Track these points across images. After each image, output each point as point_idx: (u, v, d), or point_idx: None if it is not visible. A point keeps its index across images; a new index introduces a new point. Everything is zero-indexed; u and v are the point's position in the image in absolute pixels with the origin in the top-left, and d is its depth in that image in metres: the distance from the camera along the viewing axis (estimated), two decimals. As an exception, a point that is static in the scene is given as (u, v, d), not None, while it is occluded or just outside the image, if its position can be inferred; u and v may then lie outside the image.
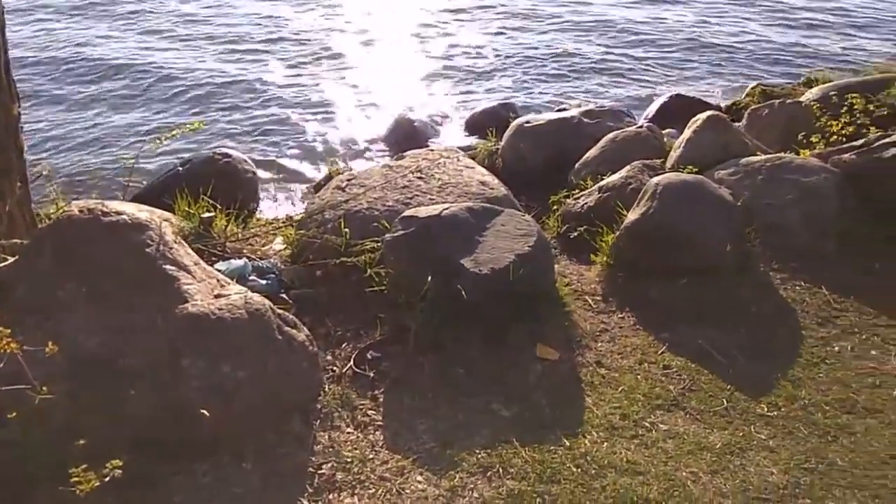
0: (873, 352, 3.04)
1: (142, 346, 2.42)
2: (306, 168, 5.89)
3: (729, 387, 2.86)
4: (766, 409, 2.72)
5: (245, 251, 3.77)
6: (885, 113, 4.80)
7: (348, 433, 2.59)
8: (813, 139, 4.49)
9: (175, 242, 2.73)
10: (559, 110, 6.14)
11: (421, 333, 2.99)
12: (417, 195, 3.79)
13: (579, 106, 6.08)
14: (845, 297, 3.36)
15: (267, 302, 2.67)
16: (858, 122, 4.53)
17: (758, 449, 2.52)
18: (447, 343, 3.02)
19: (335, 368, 2.91)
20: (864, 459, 2.44)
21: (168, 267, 2.59)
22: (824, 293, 3.40)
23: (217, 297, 2.61)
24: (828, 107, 4.76)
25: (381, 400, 2.77)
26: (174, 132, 3.46)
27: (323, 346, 3.05)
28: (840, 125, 4.50)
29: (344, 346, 3.07)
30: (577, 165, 4.91)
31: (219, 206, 3.90)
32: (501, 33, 9.25)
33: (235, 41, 8.73)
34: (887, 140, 3.96)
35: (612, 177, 4.37)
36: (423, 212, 3.35)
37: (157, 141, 3.49)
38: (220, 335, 2.49)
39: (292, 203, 5.21)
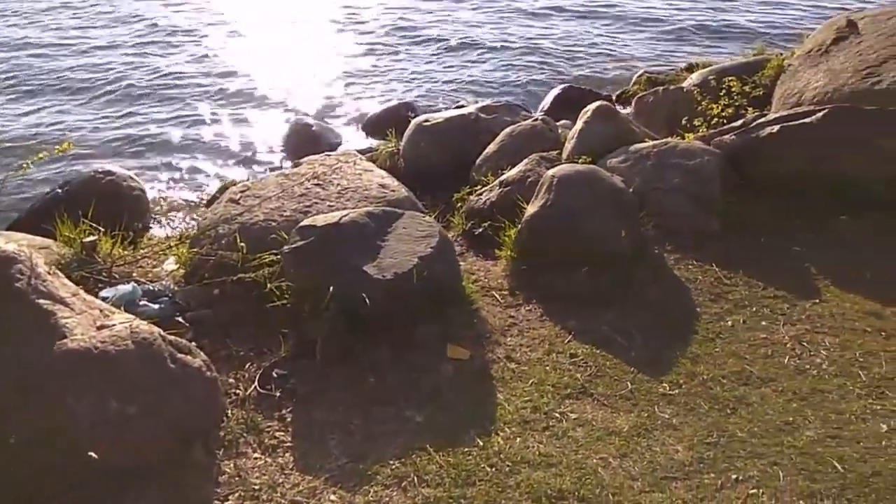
0: (763, 323, 3.20)
1: (17, 389, 2.22)
2: (200, 181, 5.65)
3: (632, 369, 2.94)
4: (668, 388, 2.82)
5: (135, 274, 3.56)
6: (761, 93, 5.10)
7: (255, 458, 2.48)
8: (696, 123, 4.70)
9: (49, 274, 2.53)
10: (457, 107, 6.17)
11: (327, 346, 2.91)
12: (316, 203, 3.70)
13: (476, 102, 6.12)
14: (734, 273, 3.52)
15: (156, 329, 2.51)
16: (736, 103, 4.78)
17: (663, 428, 2.60)
18: (356, 353, 2.96)
19: (238, 391, 2.79)
20: (762, 428, 2.56)
21: (42, 301, 2.40)
22: (715, 270, 3.55)
23: (100, 328, 2.44)
24: (708, 91, 4.99)
25: (290, 419, 2.68)
26: (41, 155, 3.21)
27: (224, 368, 2.92)
28: (720, 108, 4.73)
29: (247, 366, 2.94)
30: (477, 161, 4.93)
31: (103, 229, 3.67)
32: (399, 31, 9.21)
33: (116, 46, 8.26)
34: (763, 120, 4.19)
35: (511, 171, 4.42)
36: (321, 220, 3.26)
37: (24, 167, 3.23)
38: (105, 370, 2.34)
39: (186, 219, 4.98)
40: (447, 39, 8.85)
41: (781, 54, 5.54)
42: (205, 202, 4.96)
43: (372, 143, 6.01)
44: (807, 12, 9.44)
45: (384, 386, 2.83)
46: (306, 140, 6.10)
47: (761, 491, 2.28)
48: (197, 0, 9.89)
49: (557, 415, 2.69)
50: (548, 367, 2.97)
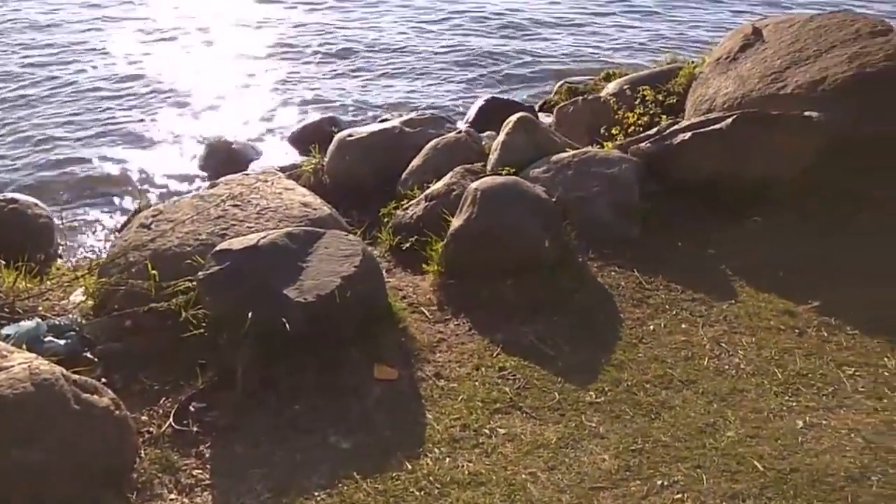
0: (683, 326, 3.27)
1: None
2: (111, 205, 5.40)
3: (560, 379, 2.95)
4: (594, 396, 2.84)
5: (40, 308, 3.35)
6: (675, 101, 5.26)
7: (171, 500, 2.36)
8: (614, 131, 4.80)
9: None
10: (381, 121, 6.12)
11: (248, 374, 2.81)
12: (234, 224, 3.57)
13: (400, 115, 6.09)
14: (655, 277, 3.60)
15: (58, 369, 2.36)
16: (651, 112, 4.91)
17: (590, 437, 2.61)
18: (279, 380, 2.86)
19: (152, 429, 2.65)
20: (685, 432, 2.61)
21: (-75, 346, 2.21)
22: (636, 276, 3.62)
23: (-5, 372, 2.26)
24: (624, 100, 5.12)
25: (209, 455, 2.56)
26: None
27: (137, 404, 2.77)
28: (635, 116, 4.85)
29: (162, 401, 2.80)
30: (403, 175, 4.89)
31: (4, 261, 3.44)
32: (322, 45, 9.10)
33: (25, 64, 7.85)
34: (676, 127, 4.31)
35: (436, 184, 4.40)
36: (238, 243, 3.15)
37: None
38: (3, 416, 2.17)
39: (96, 247, 4.74)
40: (371, 52, 8.81)
41: (692, 62, 5.74)
42: (116, 228, 4.73)
43: (295, 159, 5.89)
44: (713, 21, 9.84)
45: (309, 413, 2.74)
46: (224, 158, 5.92)
47: (686, 495, 2.32)
48: (110, 11, 9.51)
49: (487, 431, 2.67)
50: (477, 383, 2.95)
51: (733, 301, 3.39)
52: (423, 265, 3.81)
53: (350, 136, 5.30)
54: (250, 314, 2.81)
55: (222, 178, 4.14)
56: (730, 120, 4.06)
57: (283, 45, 9.09)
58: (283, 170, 5.19)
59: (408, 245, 4.05)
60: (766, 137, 3.99)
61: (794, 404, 2.71)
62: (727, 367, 2.97)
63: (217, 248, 3.15)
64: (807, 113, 4.09)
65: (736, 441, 2.54)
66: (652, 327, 3.27)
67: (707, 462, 2.46)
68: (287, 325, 2.79)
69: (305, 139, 6.14)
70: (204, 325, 2.97)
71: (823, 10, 5.89)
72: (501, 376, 2.98)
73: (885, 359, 2.90)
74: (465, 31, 9.57)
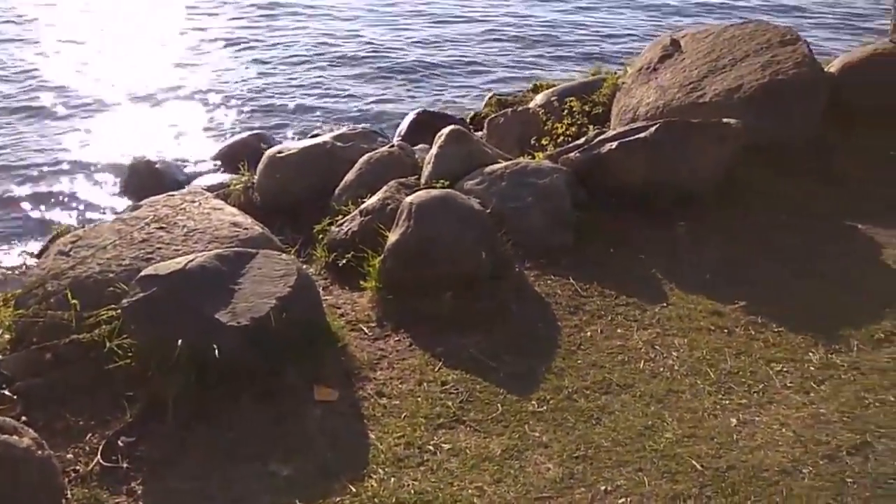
0: (619, 330, 3.33)
1: None
2: (27, 231, 5.12)
3: (502, 391, 2.96)
4: (536, 406, 2.85)
5: (-50, 347, 3.13)
6: (600, 111, 5.41)
7: (101, 542, 2.23)
8: (544, 142, 4.89)
9: None
10: (312, 136, 6.04)
11: (180, 405, 2.69)
12: (160, 248, 3.44)
13: (332, 130, 6.03)
14: (589, 284, 3.66)
15: (-30, 411, 2.20)
16: (579, 122, 5.03)
17: (534, 447, 2.62)
18: (213, 409, 2.76)
19: (79, 467, 2.50)
20: (625, 436, 2.65)
21: None
22: (572, 283, 3.67)
23: None
24: (552, 111, 5.22)
25: (140, 492, 2.43)
26: None
27: (62, 442, 2.61)
28: (564, 127, 4.96)
29: (88, 437, 2.65)
30: (336, 191, 4.83)
31: None
32: (248, 58, 8.93)
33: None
34: (603, 137, 4.42)
35: (371, 199, 4.37)
36: (164, 268, 3.03)
37: None
38: None
39: (11, 278, 4.48)
40: (300, 66, 8.70)
41: (615, 73, 5.92)
42: (33, 255, 4.49)
43: (223, 178, 5.73)
44: (632, 33, 10.18)
45: (246, 441, 2.65)
46: (148, 179, 5.70)
47: (629, 499, 2.35)
48: (21, 9, 9.05)
49: (431, 447, 2.64)
50: (419, 399, 2.92)
51: (665, 304, 3.48)
52: (361, 281, 3.76)
53: (280, 152, 5.20)
54: (179, 342, 2.70)
55: (146, 200, 3.98)
56: (653, 129, 4.19)
57: (208, 57, 8.87)
58: (210, 189, 5.04)
59: (344, 262, 3.99)
60: (688, 145, 4.14)
61: (728, 402, 2.80)
62: (662, 369, 3.04)
63: (142, 273, 3.02)
64: (725, 120, 4.26)
65: (674, 442, 2.60)
66: (589, 333, 3.32)
67: (648, 465, 2.50)
68: (218, 352, 2.69)
69: (234, 157, 5.99)
70: (130, 355, 2.84)
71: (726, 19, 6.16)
72: (444, 391, 2.97)
73: (810, 353, 3.03)
74: (394, 46, 9.59)
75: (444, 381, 3.02)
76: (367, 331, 3.43)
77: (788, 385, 2.86)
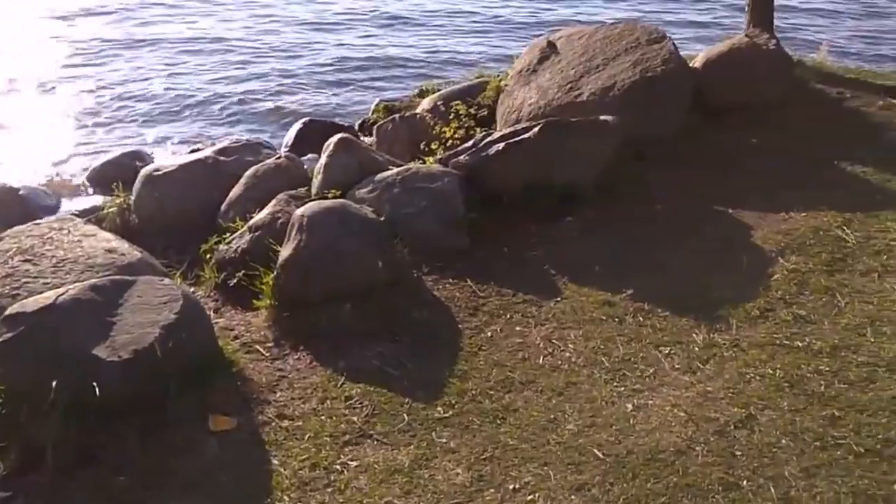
0: (518, 328, 3.40)
1: None
2: None
3: (407, 400, 2.93)
4: (442, 411, 2.85)
5: None
6: (486, 113, 5.50)
7: None
8: (433, 146, 4.91)
9: None
10: (192, 151, 5.78)
11: (60, 450, 2.49)
12: (27, 282, 3.17)
13: (213, 143, 5.79)
14: (487, 285, 3.71)
15: None
16: (466, 125, 5.09)
17: (442, 454, 2.62)
18: (98, 451, 2.56)
19: (-56, 534, 2.26)
20: (529, 432, 2.70)
21: None
22: (470, 285, 3.71)
23: None
24: (439, 115, 5.26)
25: (20, 552, 2.23)
26: None
27: (-78, 509, 2.34)
28: (452, 130, 5.00)
29: (-46, 499, 2.40)
30: (222, 207, 4.65)
31: None
32: (119, 67, 8.43)
33: None
34: (490, 139, 4.50)
35: (260, 214, 4.23)
36: (33, 304, 2.80)
37: None
38: None
39: None
40: (175, 77, 8.31)
41: (498, 76, 6.04)
42: None
43: (96, 201, 5.36)
44: (509, 36, 10.43)
45: (136, 483, 2.48)
46: (11, 207, 5.22)
47: (537, 495, 2.39)
48: None
49: (338, 466, 2.58)
50: (323, 417, 2.85)
51: (559, 298, 3.58)
52: (254, 300, 3.64)
53: (158, 170, 4.94)
54: (54, 382, 2.50)
55: (8, 231, 3.65)
56: (536, 129, 4.31)
57: (73, 71, 8.28)
58: (81, 214, 4.71)
59: (235, 281, 3.85)
60: (569, 143, 4.28)
61: (623, 389, 2.92)
62: (560, 362, 3.12)
63: (7, 312, 2.77)
64: (602, 117, 4.45)
65: (576, 433, 2.67)
66: (489, 334, 3.36)
67: (553, 458, 2.56)
68: (99, 390, 2.51)
69: (107, 177, 5.62)
70: (0, 401, 2.59)
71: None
72: (348, 406, 2.91)
73: (694, 335, 3.20)
74: (278, 54, 9.34)
75: (348, 396, 2.96)
76: (263, 352, 3.31)
77: (677, 367, 3.02)
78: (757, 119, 5.17)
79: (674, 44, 5.24)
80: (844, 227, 3.86)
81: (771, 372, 2.88)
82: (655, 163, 4.69)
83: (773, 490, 2.33)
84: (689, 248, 3.92)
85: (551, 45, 5.61)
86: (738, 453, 2.50)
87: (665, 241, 4.01)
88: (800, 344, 3.03)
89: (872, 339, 3.00)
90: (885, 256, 3.59)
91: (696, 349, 3.11)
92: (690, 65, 5.48)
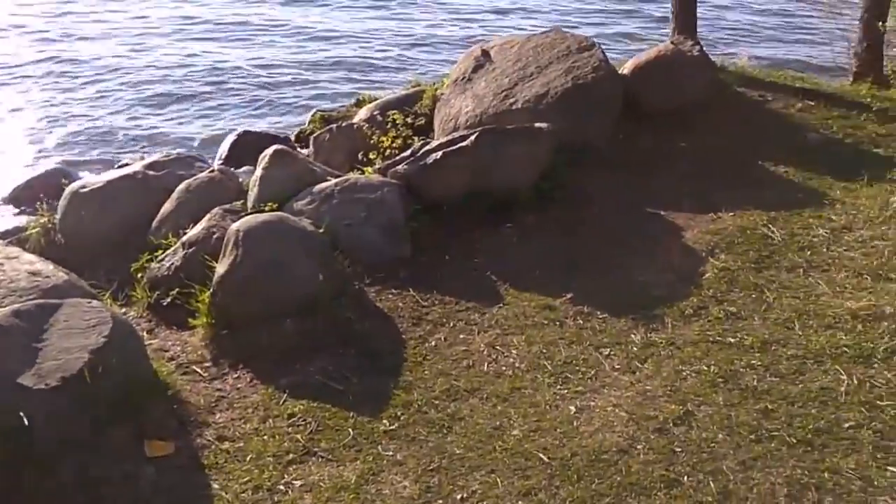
0: (461, 336, 3.40)
1: None
2: None
3: (352, 414, 2.90)
4: (388, 424, 2.83)
5: None
6: (423, 122, 5.51)
7: None
8: (371, 156, 4.88)
9: None
10: (121, 166, 5.59)
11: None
12: (-58, 311, 2.98)
13: (142, 158, 5.60)
14: (430, 294, 3.71)
15: None
16: (404, 134, 5.08)
17: (389, 467, 2.60)
18: (27, 487, 2.43)
19: None
20: (475, 440, 2.70)
21: None
22: (413, 295, 3.70)
23: None
24: (376, 125, 5.24)
25: None
26: None
27: None
28: (390, 140, 4.99)
29: None
30: (154, 224, 4.51)
31: None
32: (45, 76, 8.06)
33: None
34: (428, 147, 4.50)
35: (194, 229, 4.12)
36: (-51, 334, 2.63)
37: None
38: None
39: None
40: (102, 90, 8.01)
41: (434, 84, 6.06)
42: None
43: (19, 221, 5.11)
44: (443, 45, 10.49)
45: (70, 517, 2.37)
46: (-77, 231, 4.95)
47: (485, 503, 2.40)
48: None
49: (282, 487, 2.53)
50: (265, 437, 2.78)
51: (501, 304, 3.61)
52: (190, 319, 3.54)
53: (85, 186, 4.76)
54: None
55: (-79, 256, 3.44)
56: (473, 137, 4.34)
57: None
58: (3, 236, 4.50)
59: (169, 300, 3.74)
60: (506, 150, 4.33)
61: (566, 392, 2.96)
62: (504, 368, 3.14)
63: (-79, 343, 2.60)
64: (537, 124, 4.52)
65: (521, 438, 2.69)
66: (433, 343, 3.35)
67: (499, 465, 2.57)
68: (26, 421, 2.38)
69: (30, 196, 5.37)
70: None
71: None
72: (291, 424, 2.85)
73: (632, 335, 3.27)
74: (210, 63, 9.11)
75: (291, 414, 2.91)
76: (201, 372, 3.23)
77: (617, 367, 3.08)
78: (684, 122, 5.35)
79: (603, 52, 5.37)
80: (770, 226, 4.02)
81: (706, 368, 2.97)
82: (590, 167, 4.79)
83: (712, 485, 2.40)
84: (626, 249, 4.01)
85: (485, 54, 5.66)
86: (678, 450, 2.57)
87: (602, 243, 4.10)
88: (732, 340, 3.14)
89: (800, 333, 3.13)
90: (809, 252, 3.76)
91: (635, 349, 3.18)
92: (620, 72, 5.62)
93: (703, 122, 5.34)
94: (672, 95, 5.52)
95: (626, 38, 10.22)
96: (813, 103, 5.75)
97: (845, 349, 2.99)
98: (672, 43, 5.89)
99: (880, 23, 6.02)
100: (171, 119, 7.39)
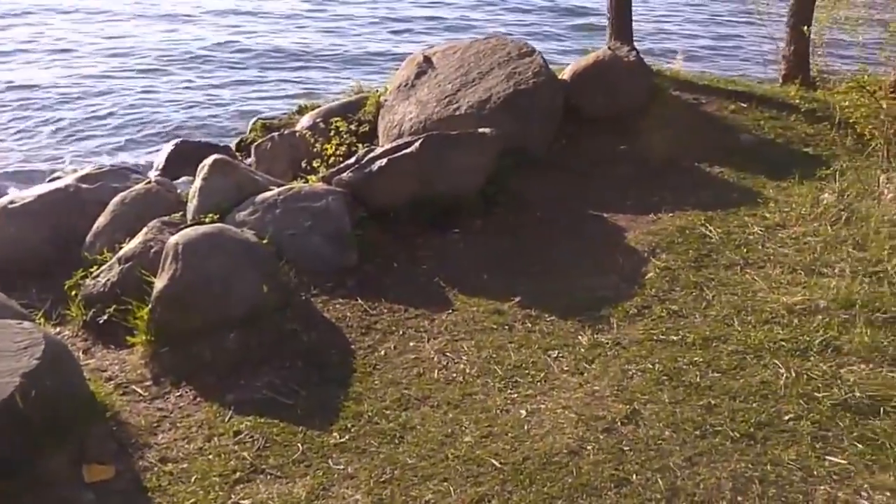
0: (411, 343, 3.38)
1: None
2: None
3: (301, 428, 2.84)
4: (338, 437, 2.78)
5: None
6: (367, 129, 5.47)
7: None
8: (315, 164, 4.82)
9: None
10: (51, 179, 5.36)
11: None
12: None
13: (74, 170, 5.39)
14: (378, 302, 3.67)
15: None
16: (347, 141, 5.03)
17: (340, 482, 2.55)
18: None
19: None
20: (427, 449, 2.68)
21: None
22: (361, 304, 3.66)
23: None
24: (319, 132, 5.17)
25: None
26: None
27: None
28: (333, 147, 4.93)
29: None
30: (88, 238, 4.34)
31: None
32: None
33: None
34: (372, 154, 4.47)
35: (130, 244, 3.98)
36: None
37: None
38: None
39: None
40: (30, 101, 7.68)
41: (377, 91, 6.03)
42: None
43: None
44: (385, 51, 10.45)
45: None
46: None
47: (438, 513, 2.38)
48: None
49: (229, 507, 2.45)
50: (210, 456, 2.70)
51: (450, 310, 3.60)
52: (128, 337, 3.42)
53: (13, 202, 4.57)
54: None
55: None
56: (417, 143, 4.33)
57: None
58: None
59: (105, 317, 3.60)
60: (450, 155, 4.34)
61: (516, 396, 2.97)
62: (455, 374, 3.13)
63: None
64: (481, 130, 4.54)
65: (473, 445, 2.68)
66: (383, 352, 3.32)
67: (452, 473, 2.55)
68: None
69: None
70: None
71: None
72: (238, 441, 2.78)
73: (580, 336, 3.31)
74: (145, 73, 8.85)
75: (237, 431, 2.83)
76: (141, 391, 3.12)
77: (565, 369, 3.11)
78: (623, 126, 5.47)
79: (543, 57, 5.44)
80: (708, 225, 4.14)
81: (651, 367, 3.03)
82: (534, 171, 4.84)
83: (660, 482, 2.44)
84: (570, 252, 4.06)
85: (427, 60, 5.67)
86: (627, 448, 2.61)
87: (547, 246, 4.14)
88: (675, 338, 3.21)
89: (739, 329, 3.23)
90: (745, 250, 3.89)
91: (583, 350, 3.22)
92: (560, 77, 5.71)
93: (641, 125, 5.47)
94: (610, 100, 5.63)
95: (562, 44, 10.41)
96: (745, 105, 5.96)
97: (782, 343, 3.09)
98: (609, 49, 6.01)
99: (805, 27, 6.28)
100: (105, 130, 7.13)
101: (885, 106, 4.25)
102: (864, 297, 3.30)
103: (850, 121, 4.63)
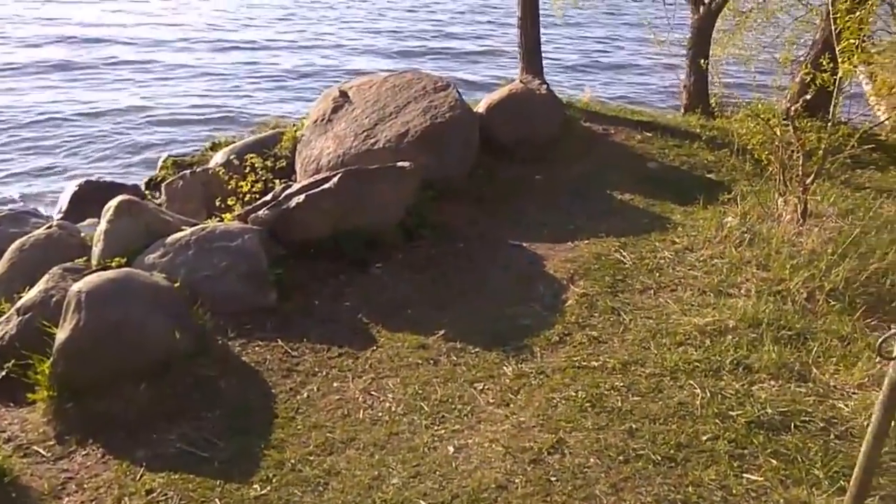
0: (335, 384, 3.30)
1: None
2: None
3: (219, 481, 2.71)
4: (259, 489, 2.66)
5: None
6: (284, 164, 5.38)
7: None
8: (230, 202, 4.69)
9: None
10: (-60, 226, 4.98)
11: None
12: None
13: (-33, 216, 5.05)
14: (300, 343, 3.58)
15: None
16: (264, 178, 4.94)
17: (262, 536, 2.44)
18: None
19: None
20: (354, 494, 2.61)
21: None
22: (281, 345, 3.55)
23: None
24: (234, 169, 5.05)
25: None
26: None
27: None
28: (249, 184, 4.82)
29: None
30: (-16, 288, 4.05)
31: None
32: None
33: None
34: (290, 191, 4.39)
35: (30, 293, 3.74)
36: None
37: None
38: None
39: None
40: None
41: (294, 126, 5.96)
42: None
43: None
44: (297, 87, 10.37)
45: None
46: None
47: (366, 562, 2.31)
48: None
49: (142, 573, 2.29)
50: (119, 519, 2.53)
51: (375, 347, 3.55)
52: (28, 394, 3.18)
53: None
54: None
55: None
56: (336, 178, 4.29)
57: None
58: None
59: (3, 373, 3.35)
60: (370, 190, 4.32)
61: (443, 432, 2.93)
62: (381, 413, 3.07)
63: None
64: (399, 163, 4.55)
65: (401, 486, 2.63)
66: (306, 394, 3.23)
67: (383, 516, 2.49)
68: None
69: None
70: None
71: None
72: (150, 501, 2.62)
73: (504, 367, 3.33)
74: (40, 108, 8.42)
75: (150, 490, 2.67)
76: (44, 452, 2.91)
77: (491, 401, 3.11)
78: (538, 156, 5.62)
79: (458, 91, 5.53)
80: (622, 251, 4.28)
81: (574, 394, 3.07)
82: (453, 202, 4.88)
83: (587, 510, 2.46)
84: (492, 282, 4.10)
85: (343, 95, 5.66)
86: (554, 479, 2.61)
87: (469, 277, 4.16)
88: (595, 364, 3.27)
89: (656, 352, 3.32)
90: (657, 274, 4.03)
91: (508, 381, 3.22)
92: (475, 109, 5.82)
93: (555, 155, 5.63)
94: (525, 130, 5.79)
95: (472, 77, 10.63)
96: (651, 134, 6.24)
97: (696, 364, 3.20)
98: (521, 82, 6.18)
99: (702, 60, 6.67)
100: (2, 173, 6.73)
101: (778, 133, 4.53)
102: (770, 316, 3.47)
103: (748, 147, 4.92)
